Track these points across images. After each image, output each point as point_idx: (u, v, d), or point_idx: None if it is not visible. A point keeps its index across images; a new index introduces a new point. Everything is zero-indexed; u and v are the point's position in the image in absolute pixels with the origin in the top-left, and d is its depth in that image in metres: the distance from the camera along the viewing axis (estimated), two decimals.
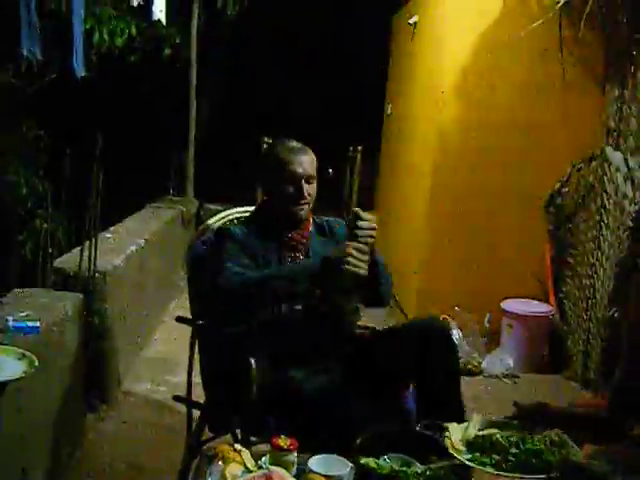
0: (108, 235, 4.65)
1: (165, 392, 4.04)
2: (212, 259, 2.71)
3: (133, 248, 4.39)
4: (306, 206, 2.69)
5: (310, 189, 2.68)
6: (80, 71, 4.55)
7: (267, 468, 1.94)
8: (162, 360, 4.60)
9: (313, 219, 2.83)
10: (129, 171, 8.40)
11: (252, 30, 9.27)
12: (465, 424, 2.27)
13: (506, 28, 5.02)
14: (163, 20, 5.61)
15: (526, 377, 4.76)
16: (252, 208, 3.15)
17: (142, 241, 4.65)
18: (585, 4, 4.54)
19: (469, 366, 4.70)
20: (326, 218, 2.90)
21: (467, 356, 4.73)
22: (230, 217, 3.07)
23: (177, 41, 7.17)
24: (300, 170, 2.65)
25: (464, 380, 4.54)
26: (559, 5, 4.65)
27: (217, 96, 9.39)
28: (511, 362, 4.73)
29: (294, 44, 9.47)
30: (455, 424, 2.25)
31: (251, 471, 1.96)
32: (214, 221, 3.02)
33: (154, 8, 5.46)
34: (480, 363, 4.75)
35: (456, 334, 4.75)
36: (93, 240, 3.70)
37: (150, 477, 3.16)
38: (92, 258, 3.68)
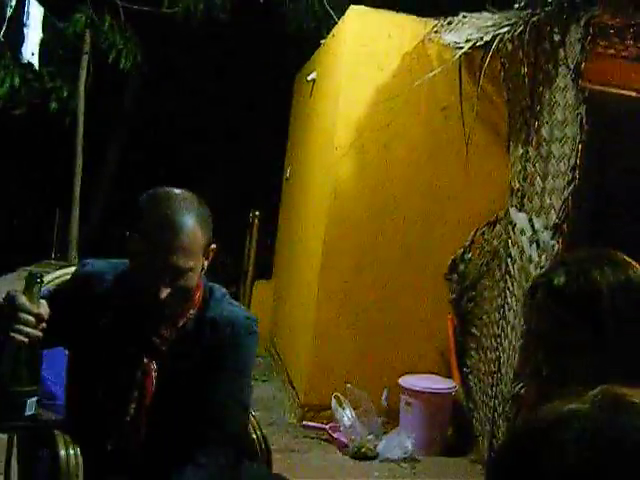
0: None
1: None
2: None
3: None
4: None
5: (180, 284, 1.81)
6: None
7: None
8: None
9: (201, 312, 1.96)
10: (7, 231, 7.87)
11: (154, 87, 9.02)
12: None
13: (405, 83, 4.71)
14: (35, 63, 5.18)
15: (427, 460, 4.34)
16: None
17: None
18: (485, 57, 4.27)
19: (363, 449, 4.22)
20: (224, 311, 1.98)
21: (361, 439, 4.25)
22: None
23: (65, 94, 6.92)
24: (162, 263, 1.77)
25: (357, 465, 4.14)
26: (456, 57, 4.37)
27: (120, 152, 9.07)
28: (409, 444, 4.25)
29: (197, 105, 9.16)
30: None
31: None
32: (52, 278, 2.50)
33: (24, 49, 4.97)
34: (376, 446, 4.27)
35: (348, 414, 4.28)
36: None
37: None
38: None
